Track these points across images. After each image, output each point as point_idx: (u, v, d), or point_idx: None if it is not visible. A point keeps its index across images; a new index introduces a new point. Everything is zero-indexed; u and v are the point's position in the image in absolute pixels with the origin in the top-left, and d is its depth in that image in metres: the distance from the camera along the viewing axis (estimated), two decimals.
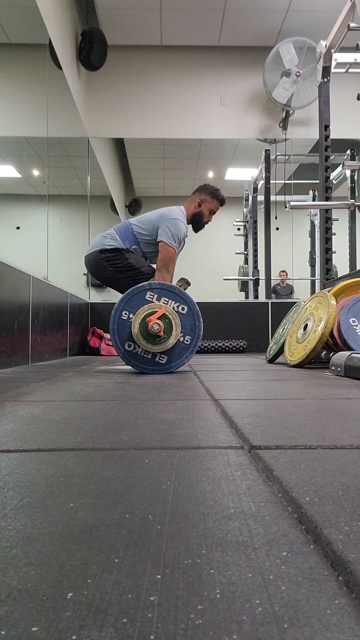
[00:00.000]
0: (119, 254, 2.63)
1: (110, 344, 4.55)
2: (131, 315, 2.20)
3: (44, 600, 0.30)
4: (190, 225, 2.84)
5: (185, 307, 2.24)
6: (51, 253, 4.04)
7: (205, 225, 2.88)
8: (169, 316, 2.16)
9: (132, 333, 2.16)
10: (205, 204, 2.80)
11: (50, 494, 0.51)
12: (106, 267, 2.65)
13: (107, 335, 4.65)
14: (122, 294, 2.29)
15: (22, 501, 0.49)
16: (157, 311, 2.15)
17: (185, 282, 6.44)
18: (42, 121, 3.81)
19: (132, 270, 2.61)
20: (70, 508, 0.47)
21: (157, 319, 2.13)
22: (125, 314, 2.22)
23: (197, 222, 2.83)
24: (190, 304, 2.25)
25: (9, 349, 2.57)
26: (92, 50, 4.80)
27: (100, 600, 0.30)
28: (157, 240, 2.63)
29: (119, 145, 6.59)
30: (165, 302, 2.21)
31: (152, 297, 2.22)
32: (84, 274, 5.57)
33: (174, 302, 2.23)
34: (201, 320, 2.25)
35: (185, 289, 5.82)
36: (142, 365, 2.21)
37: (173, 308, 2.21)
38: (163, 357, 2.21)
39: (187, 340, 2.23)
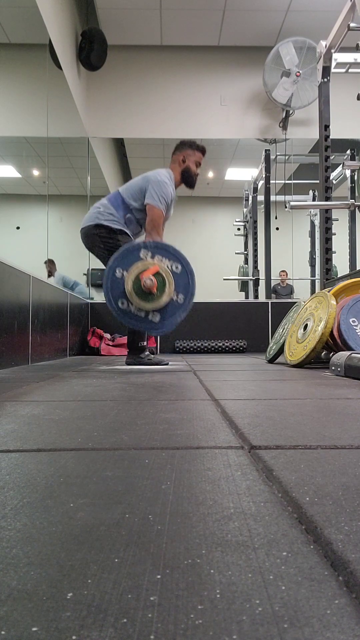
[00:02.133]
0: (112, 234, 2.67)
1: (111, 344, 4.55)
2: (125, 273, 2.17)
3: (44, 600, 0.30)
4: (183, 185, 2.85)
5: (179, 266, 2.21)
6: (51, 253, 4.04)
7: (197, 179, 2.86)
8: (162, 274, 2.14)
9: (125, 290, 2.13)
10: (189, 158, 2.81)
11: (50, 494, 0.51)
12: (97, 243, 2.70)
13: (107, 335, 4.65)
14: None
15: (22, 501, 0.49)
16: (150, 268, 2.14)
17: None
18: (42, 121, 3.81)
19: None
20: (70, 508, 0.47)
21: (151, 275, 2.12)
22: (119, 271, 2.19)
23: (188, 177, 2.82)
24: (184, 263, 2.22)
25: (9, 349, 2.57)
26: (92, 50, 4.80)
27: (100, 600, 0.30)
28: (145, 203, 2.64)
29: (119, 145, 6.58)
30: (160, 261, 2.19)
31: (146, 254, 2.20)
32: (84, 274, 5.58)
33: (168, 260, 2.20)
34: (195, 279, 2.22)
35: None
36: (135, 323, 2.20)
37: (167, 266, 2.19)
38: (156, 315, 2.20)
39: (180, 299, 2.20)
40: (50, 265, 4.72)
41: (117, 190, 2.79)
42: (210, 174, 7.10)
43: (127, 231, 2.71)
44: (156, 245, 2.22)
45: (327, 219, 3.80)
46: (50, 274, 4.60)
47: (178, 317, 2.20)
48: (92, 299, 5.20)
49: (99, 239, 2.69)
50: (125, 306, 2.18)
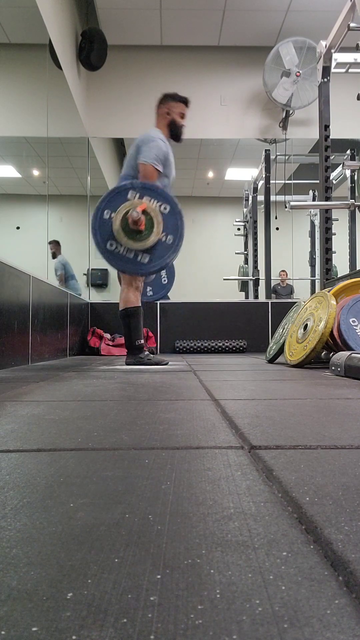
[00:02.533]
0: None
1: (111, 344, 4.55)
2: (112, 214, 2.16)
3: (44, 600, 0.30)
4: (172, 140, 2.84)
5: (168, 207, 2.19)
6: (51, 253, 4.04)
7: (183, 131, 2.86)
8: (150, 213, 2.13)
9: (113, 229, 2.11)
10: (173, 110, 2.82)
11: (50, 494, 0.51)
12: None
13: (107, 335, 4.65)
14: None
15: (22, 501, 0.49)
16: (137, 206, 2.14)
17: None
18: (42, 121, 3.81)
19: None
20: (70, 508, 0.47)
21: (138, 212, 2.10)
22: (107, 213, 2.17)
23: (174, 129, 2.82)
24: (173, 204, 2.20)
25: (9, 349, 2.57)
26: (92, 50, 4.80)
27: (100, 600, 0.30)
28: (137, 162, 2.60)
29: (119, 145, 6.58)
30: (148, 201, 2.18)
31: (133, 195, 2.19)
32: (84, 274, 5.58)
33: (155, 201, 2.19)
34: (184, 220, 2.20)
35: None
36: (123, 265, 2.17)
37: (155, 207, 2.18)
38: (145, 257, 2.18)
39: (169, 240, 2.19)
40: (55, 246, 4.73)
41: (122, 174, 2.76)
42: (210, 174, 7.09)
43: None
44: (144, 186, 2.20)
45: (327, 219, 3.80)
46: (55, 255, 4.61)
47: (167, 257, 2.18)
48: (79, 295, 5.20)
49: None
50: (114, 248, 2.15)
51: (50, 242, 4.67)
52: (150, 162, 2.55)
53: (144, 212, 2.11)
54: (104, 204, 2.17)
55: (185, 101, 2.85)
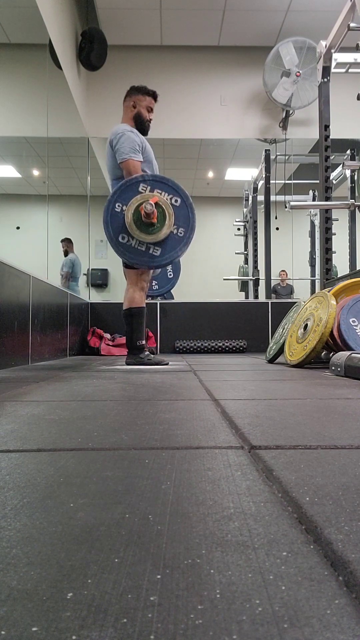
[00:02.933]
0: None
1: (111, 344, 4.55)
2: (124, 207, 2.17)
3: (44, 600, 0.30)
4: (139, 133, 2.78)
5: (179, 199, 2.20)
6: (51, 253, 4.04)
7: (150, 125, 2.81)
8: (162, 205, 2.14)
9: (125, 222, 2.12)
10: (140, 103, 2.77)
11: (50, 494, 0.51)
12: None
13: (107, 335, 4.65)
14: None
15: (22, 501, 0.49)
16: (149, 199, 2.15)
17: None
18: (42, 121, 3.81)
19: None
20: (70, 508, 0.47)
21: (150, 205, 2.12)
22: (119, 206, 2.18)
23: (140, 123, 2.77)
24: (184, 196, 2.21)
25: (9, 349, 2.57)
26: (92, 50, 4.80)
27: (100, 600, 0.30)
28: (118, 163, 2.58)
29: None
30: (159, 194, 2.19)
31: (145, 188, 2.20)
32: (84, 274, 5.57)
33: (167, 194, 2.20)
34: (195, 212, 2.21)
35: None
36: (135, 257, 2.18)
37: (166, 199, 2.19)
38: (157, 250, 2.19)
39: (180, 233, 2.19)
40: (67, 244, 4.70)
41: (113, 178, 2.72)
42: (210, 174, 7.10)
43: None
44: (154, 179, 2.21)
45: (327, 219, 3.80)
46: (67, 253, 4.59)
47: (179, 250, 2.19)
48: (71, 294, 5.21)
49: None
50: (126, 241, 2.16)
51: (62, 240, 4.64)
52: (128, 156, 2.53)
53: (156, 204, 2.12)
54: (115, 197, 2.18)
55: (153, 94, 2.79)
